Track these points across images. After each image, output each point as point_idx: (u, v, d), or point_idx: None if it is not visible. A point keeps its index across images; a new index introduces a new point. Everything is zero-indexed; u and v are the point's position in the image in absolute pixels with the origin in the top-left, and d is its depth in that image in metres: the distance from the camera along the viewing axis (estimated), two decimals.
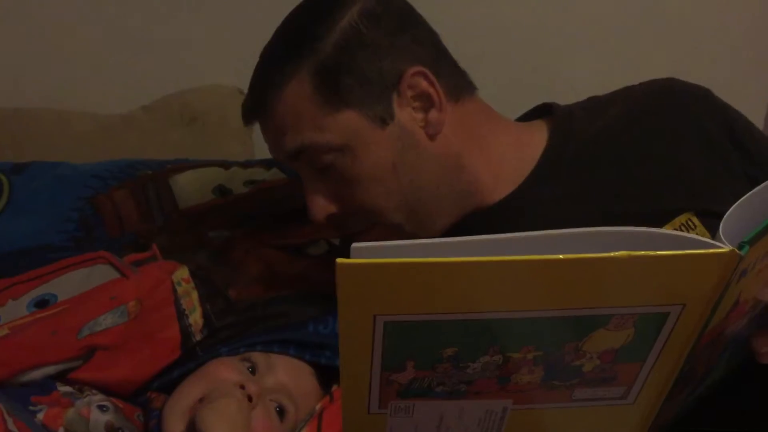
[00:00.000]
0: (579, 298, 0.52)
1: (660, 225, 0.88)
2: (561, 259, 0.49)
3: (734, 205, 0.55)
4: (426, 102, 0.92)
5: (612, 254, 0.49)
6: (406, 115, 0.92)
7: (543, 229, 0.90)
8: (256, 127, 1.41)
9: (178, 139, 1.35)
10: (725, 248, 0.50)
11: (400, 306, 0.52)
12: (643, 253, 0.50)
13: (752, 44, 1.55)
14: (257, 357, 0.91)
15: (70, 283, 1.00)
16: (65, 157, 1.24)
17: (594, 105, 1.02)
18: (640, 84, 1.02)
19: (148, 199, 1.16)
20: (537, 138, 0.98)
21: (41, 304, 0.98)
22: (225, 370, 0.88)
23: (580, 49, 1.49)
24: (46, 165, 1.20)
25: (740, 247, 0.51)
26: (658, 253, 0.50)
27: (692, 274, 0.52)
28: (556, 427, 0.64)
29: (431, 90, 0.91)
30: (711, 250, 0.50)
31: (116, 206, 1.15)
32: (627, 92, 1.01)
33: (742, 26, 1.54)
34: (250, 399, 0.84)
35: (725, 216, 0.54)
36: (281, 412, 0.87)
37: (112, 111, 1.38)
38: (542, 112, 1.03)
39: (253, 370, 0.89)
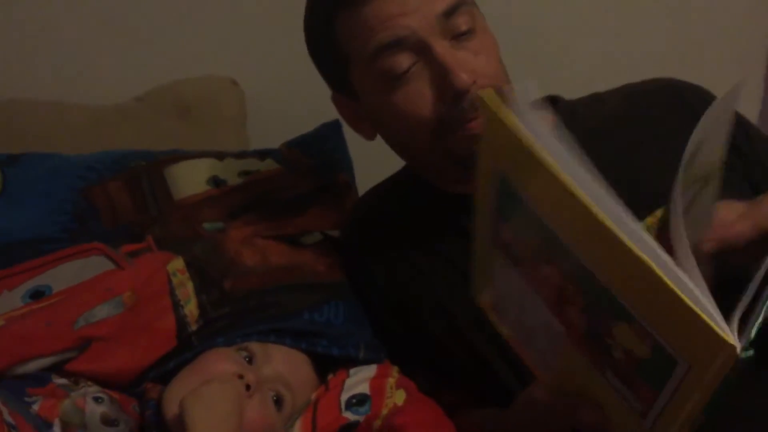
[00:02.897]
0: (611, 272, 0.53)
1: (654, 207, 0.89)
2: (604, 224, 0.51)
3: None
4: None
5: (642, 256, 0.49)
6: None
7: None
8: (250, 118, 1.42)
9: (172, 130, 1.35)
10: (729, 339, 0.47)
11: (512, 172, 0.58)
12: (664, 277, 0.48)
13: (749, 39, 1.55)
14: (254, 346, 0.91)
15: (65, 274, 1.00)
16: (59, 149, 1.23)
17: (595, 99, 1.05)
18: (642, 81, 1.04)
19: (142, 190, 1.16)
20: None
21: (36, 295, 0.98)
22: (222, 361, 0.88)
23: (579, 42, 1.50)
24: (39, 156, 1.19)
25: (744, 348, 0.48)
26: (674, 287, 0.48)
27: (694, 337, 0.49)
28: (600, 398, 0.62)
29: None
30: (715, 328, 0.47)
31: (110, 197, 1.14)
32: (628, 88, 1.04)
33: (744, 11, 1.54)
34: (248, 388, 0.84)
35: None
36: (278, 401, 0.88)
37: (105, 102, 1.37)
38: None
39: (250, 360, 0.90)
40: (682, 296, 0.48)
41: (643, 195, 0.92)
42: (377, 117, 0.98)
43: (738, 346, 0.47)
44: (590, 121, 0.99)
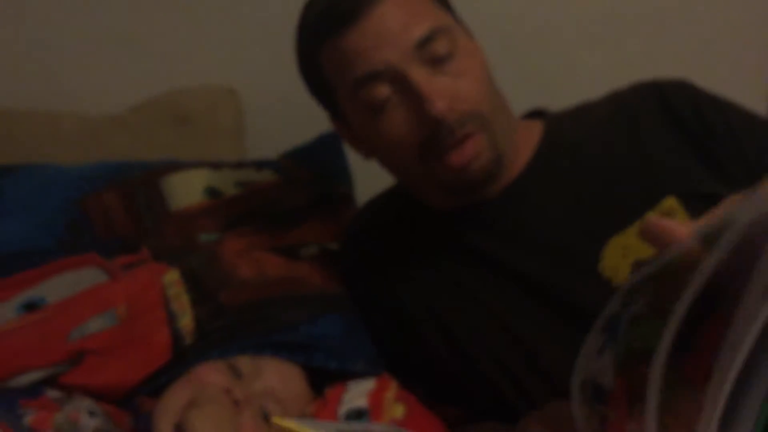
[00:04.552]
0: None
1: (645, 210, 0.89)
2: None
3: None
4: None
5: None
6: None
7: (533, 229, 0.93)
8: (248, 128, 1.42)
9: (169, 140, 1.34)
10: None
11: None
12: None
13: (755, 38, 1.55)
14: (244, 361, 0.90)
15: (60, 285, 1.00)
16: (54, 159, 1.23)
17: (582, 109, 1.05)
18: (627, 86, 1.05)
19: (137, 201, 1.15)
20: (532, 136, 1.02)
21: (30, 306, 0.97)
22: (211, 375, 0.87)
23: (581, 48, 1.49)
24: (34, 167, 1.19)
25: None
26: None
27: None
28: None
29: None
30: None
31: (105, 208, 1.14)
32: (613, 96, 1.05)
33: (745, 20, 1.54)
34: (236, 404, 0.83)
35: None
36: (266, 417, 0.86)
37: (101, 112, 1.36)
38: (533, 117, 1.07)
39: (239, 375, 0.89)
40: None
41: (628, 189, 0.93)
42: (367, 141, 1.00)
43: None
44: (575, 132, 1.01)
